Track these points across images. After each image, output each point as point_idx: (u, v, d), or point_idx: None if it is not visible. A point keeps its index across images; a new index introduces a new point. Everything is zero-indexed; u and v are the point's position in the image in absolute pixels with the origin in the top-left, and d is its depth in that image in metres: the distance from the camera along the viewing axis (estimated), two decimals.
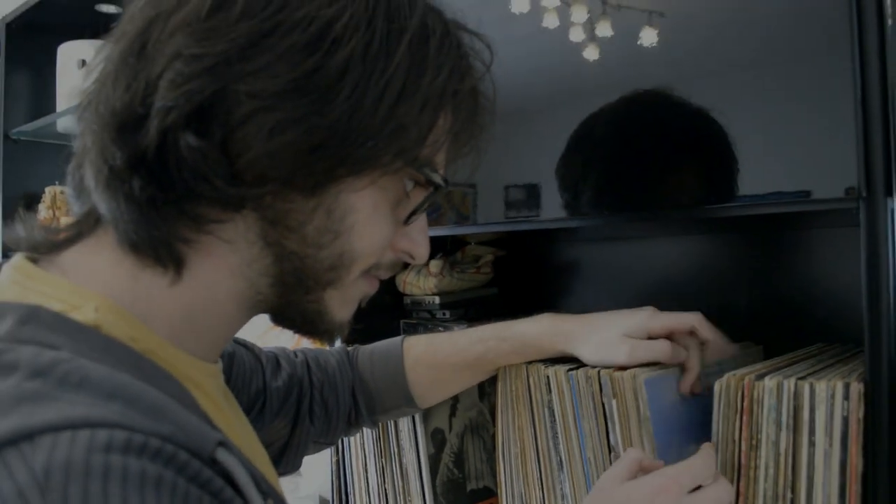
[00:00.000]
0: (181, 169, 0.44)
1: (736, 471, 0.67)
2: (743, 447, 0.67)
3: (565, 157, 0.86)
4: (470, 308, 1.19)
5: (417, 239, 0.56)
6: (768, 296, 0.97)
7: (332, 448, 1.10)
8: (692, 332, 0.75)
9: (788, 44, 0.68)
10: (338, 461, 1.10)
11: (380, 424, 0.95)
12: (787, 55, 0.68)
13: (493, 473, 0.90)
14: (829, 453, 0.62)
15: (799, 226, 0.92)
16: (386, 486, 1.00)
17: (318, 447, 0.86)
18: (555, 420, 0.80)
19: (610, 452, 0.75)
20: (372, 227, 0.51)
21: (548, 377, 0.80)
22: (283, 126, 0.44)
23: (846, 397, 0.61)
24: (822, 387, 0.62)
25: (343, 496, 1.08)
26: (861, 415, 0.60)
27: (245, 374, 0.74)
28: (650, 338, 0.75)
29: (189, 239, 0.48)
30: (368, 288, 0.57)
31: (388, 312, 1.22)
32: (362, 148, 0.46)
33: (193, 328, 0.50)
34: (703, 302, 1.02)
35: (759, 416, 0.66)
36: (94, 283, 0.47)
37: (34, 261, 0.48)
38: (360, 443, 1.06)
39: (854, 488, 0.60)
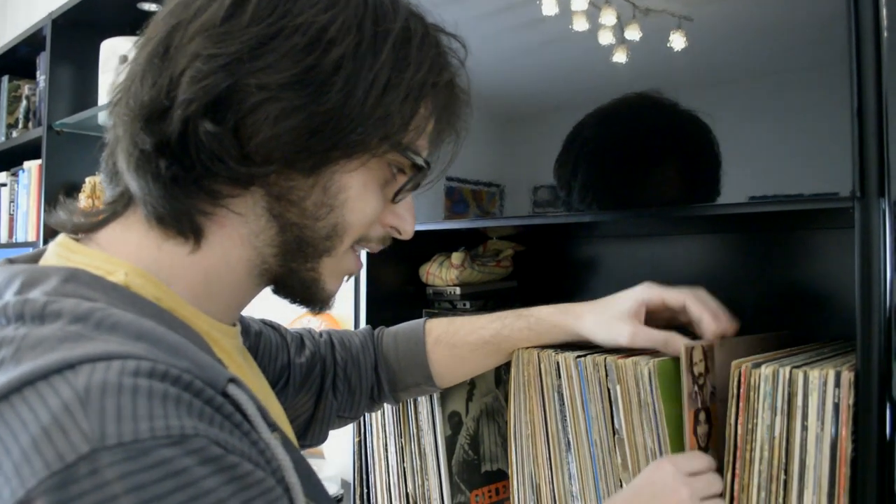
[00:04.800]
0: (200, 151, 0.52)
1: (732, 454, 0.71)
2: (739, 431, 0.71)
3: (591, 156, 0.90)
4: (489, 299, 1.23)
5: (404, 215, 0.65)
6: (781, 293, 1.00)
7: (355, 429, 1.16)
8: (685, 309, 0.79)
9: (795, 52, 0.71)
10: (360, 442, 1.15)
11: (402, 402, 1.00)
12: (792, 63, 0.71)
13: (507, 456, 0.94)
14: (820, 438, 0.65)
15: (804, 226, 0.95)
16: (405, 465, 1.05)
17: (343, 422, 0.91)
18: (563, 404, 0.84)
19: (614, 435, 0.79)
20: (362, 202, 0.59)
21: (558, 363, 0.84)
22: (286, 113, 0.51)
23: (837, 385, 0.65)
24: (814, 375, 0.66)
25: (364, 474, 1.14)
26: (851, 402, 0.64)
27: (271, 350, 0.81)
28: (649, 310, 0.80)
29: (207, 212, 0.55)
30: (354, 265, 0.64)
31: (411, 302, 1.27)
32: (353, 133, 0.54)
33: (210, 291, 0.58)
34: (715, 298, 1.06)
35: (755, 402, 0.69)
36: (126, 253, 0.55)
37: (76, 239, 0.57)
38: (381, 424, 1.11)
39: (843, 471, 0.64)
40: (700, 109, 0.78)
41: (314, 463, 1.55)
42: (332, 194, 0.57)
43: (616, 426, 0.78)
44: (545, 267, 1.29)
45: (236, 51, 0.51)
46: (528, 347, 0.89)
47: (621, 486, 0.77)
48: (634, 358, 0.77)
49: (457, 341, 0.88)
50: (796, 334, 0.91)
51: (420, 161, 0.60)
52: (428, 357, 0.88)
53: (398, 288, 1.25)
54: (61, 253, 0.55)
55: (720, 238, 1.08)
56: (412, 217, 0.66)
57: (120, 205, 0.57)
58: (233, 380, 0.47)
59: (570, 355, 0.83)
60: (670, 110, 0.81)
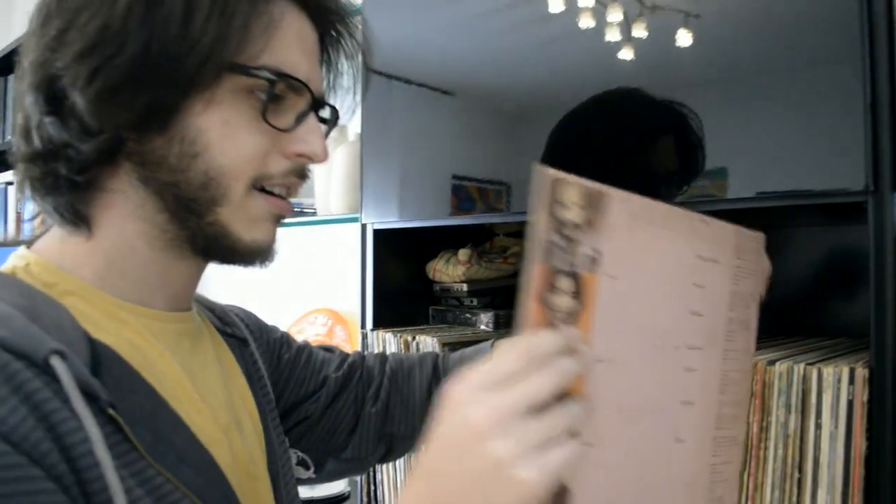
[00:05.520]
0: (55, 146, 0.55)
1: (747, 451, 0.70)
2: (754, 429, 0.70)
3: (595, 152, 0.89)
4: (497, 296, 1.23)
5: (308, 139, 0.59)
6: (794, 291, 0.99)
7: None
8: None
9: (806, 47, 0.71)
10: None
11: None
12: (803, 57, 0.71)
13: None
14: (834, 435, 0.65)
15: (817, 222, 0.94)
16: (412, 462, 1.04)
17: (402, 444, 0.84)
18: None
19: None
20: (230, 141, 0.55)
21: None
22: (89, 80, 0.51)
23: (851, 382, 0.64)
24: (829, 372, 0.65)
25: (371, 472, 1.13)
26: (865, 399, 0.64)
27: (315, 364, 0.81)
28: None
29: (88, 200, 0.57)
30: (273, 207, 0.60)
31: (418, 299, 1.27)
32: (172, 73, 0.52)
33: (118, 272, 0.58)
34: None
35: (769, 399, 0.69)
36: (41, 250, 0.59)
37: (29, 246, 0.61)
38: None
39: (857, 469, 0.64)
40: (708, 106, 0.78)
41: None
42: (190, 142, 0.54)
43: None
44: None
45: (45, 45, 0.53)
46: None
47: None
48: None
49: None
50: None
51: (267, 75, 0.55)
52: None
53: (404, 285, 1.25)
54: (10, 258, 0.60)
55: None
56: (318, 139, 0.60)
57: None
58: (58, 352, 0.48)
59: None
60: (676, 106, 0.80)
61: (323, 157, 0.61)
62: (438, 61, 1.09)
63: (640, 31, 0.83)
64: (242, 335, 0.74)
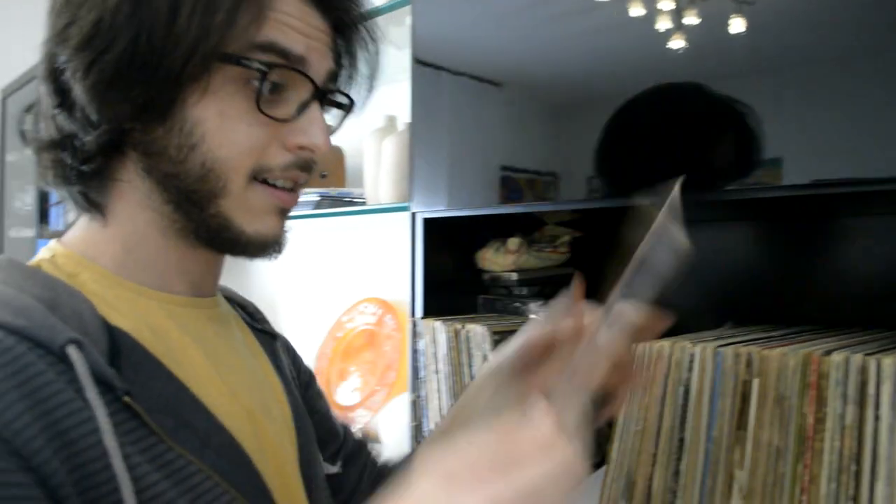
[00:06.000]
0: (63, 136, 0.57)
1: (802, 444, 0.69)
2: (809, 420, 0.69)
3: (648, 140, 0.89)
4: (546, 286, 1.23)
5: (309, 130, 0.58)
6: (847, 282, 0.97)
7: (412, 413, 1.17)
8: None
9: (859, 35, 0.69)
10: (417, 426, 1.16)
11: (456, 390, 1.00)
12: (856, 46, 0.69)
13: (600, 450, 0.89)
14: (893, 427, 0.63)
15: (868, 211, 0.92)
16: None
17: None
18: (688, 399, 0.79)
19: (738, 430, 0.74)
20: (226, 133, 0.55)
21: (692, 355, 0.79)
22: (84, 73, 0.53)
23: None
24: (888, 362, 0.64)
25: None
26: None
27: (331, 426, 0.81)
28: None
29: (100, 187, 0.59)
30: (276, 200, 0.59)
31: (467, 288, 1.27)
32: (158, 69, 0.53)
33: (136, 259, 0.59)
34: (773, 287, 1.04)
35: (825, 390, 0.68)
36: (67, 241, 0.61)
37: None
38: (438, 407, 1.12)
39: None
40: (762, 95, 0.76)
41: (372, 447, 1.57)
42: (188, 133, 0.55)
43: (744, 421, 0.74)
44: (603, 253, 1.27)
45: (53, 37, 0.55)
46: (659, 339, 0.82)
47: (731, 483, 0.74)
48: (782, 349, 0.73)
49: None
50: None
51: (257, 65, 0.54)
52: None
53: (454, 273, 1.26)
54: (43, 247, 0.62)
55: (780, 226, 1.05)
56: (318, 129, 0.59)
57: None
58: (74, 341, 0.49)
59: (710, 346, 0.78)
60: (728, 94, 0.79)
61: (324, 148, 0.59)
62: (487, 52, 1.09)
63: (691, 19, 0.82)
64: (272, 331, 0.75)
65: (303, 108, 0.58)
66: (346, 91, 0.65)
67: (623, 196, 0.90)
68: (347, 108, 0.66)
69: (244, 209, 0.58)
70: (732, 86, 0.79)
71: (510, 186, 1.05)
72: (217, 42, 0.53)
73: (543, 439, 0.44)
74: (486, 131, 1.09)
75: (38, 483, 0.44)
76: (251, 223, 0.59)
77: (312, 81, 0.58)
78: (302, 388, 0.78)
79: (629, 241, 0.55)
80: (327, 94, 0.62)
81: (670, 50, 0.83)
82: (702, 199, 0.83)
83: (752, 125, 0.77)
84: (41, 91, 0.58)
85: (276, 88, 0.56)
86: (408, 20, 1.22)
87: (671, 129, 0.86)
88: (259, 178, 0.58)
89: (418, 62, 1.17)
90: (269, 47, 0.55)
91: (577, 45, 0.95)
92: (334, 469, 0.78)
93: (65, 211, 2.63)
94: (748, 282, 1.07)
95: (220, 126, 0.55)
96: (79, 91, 0.54)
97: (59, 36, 0.54)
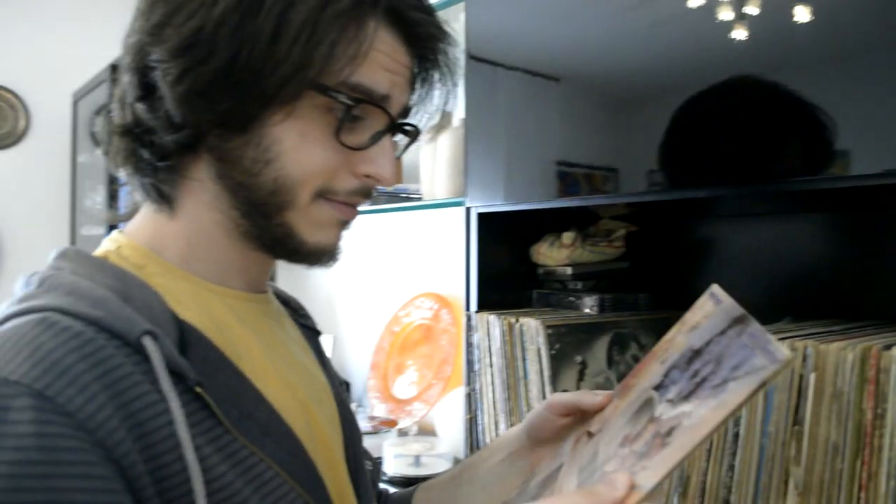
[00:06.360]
0: (141, 129, 0.58)
1: (860, 440, 0.68)
2: (868, 416, 0.68)
3: (710, 131, 0.87)
4: (601, 280, 1.22)
5: (378, 161, 0.60)
6: None
7: (466, 406, 1.18)
8: None
9: None
10: (471, 419, 1.18)
11: (510, 384, 1.00)
12: None
13: None
14: None
15: None
16: None
17: None
18: None
19: (793, 426, 0.74)
20: (302, 153, 0.57)
21: None
22: (178, 79, 0.54)
23: None
24: None
25: (474, 449, 1.16)
26: None
27: None
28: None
29: (171, 181, 0.60)
30: (338, 213, 0.61)
31: (522, 282, 1.28)
32: (251, 88, 0.54)
33: (196, 254, 0.61)
34: (834, 281, 1.01)
35: (885, 385, 0.66)
36: (131, 233, 0.63)
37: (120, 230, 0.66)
38: (492, 401, 1.13)
39: None
40: (828, 85, 0.74)
41: (427, 440, 1.59)
42: (265, 149, 0.56)
43: (799, 417, 0.73)
44: (659, 248, 1.26)
45: (146, 32, 0.56)
46: None
47: (787, 479, 0.73)
48: (840, 343, 0.72)
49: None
50: None
51: (344, 99, 0.56)
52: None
53: (509, 268, 1.26)
54: (106, 238, 0.65)
55: (847, 217, 1.02)
56: (387, 161, 0.61)
57: None
58: (150, 332, 0.51)
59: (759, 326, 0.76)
60: (793, 86, 0.77)
61: (389, 181, 0.61)
62: (543, 47, 1.09)
63: (753, 9, 0.80)
64: (315, 327, 0.77)
65: (376, 138, 0.60)
66: (417, 115, 0.67)
67: (684, 189, 0.89)
68: (414, 135, 0.67)
69: (308, 221, 0.60)
70: (797, 77, 0.77)
71: (568, 181, 1.05)
72: (315, 74, 0.54)
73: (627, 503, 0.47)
74: (543, 126, 1.09)
75: (119, 475, 0.46)
76: (314, 234, 0.61)
77: (389, 115, 0.59)
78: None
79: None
80: (399, 128, 0.64)
81: (732, 41, 0.82)
82: (768, 190, 0.82)
83: (819, 116, 0.75)
84: (124, 79, 0.59)
85: (355, 119, 0.58)
86: (462, 17, 1.23)
87: (737, 122, 0.84)
88: (323, 196, 0.60)
89: (472, 58, 1.18)
90: (358, 87, 0.57)
91: (637, 38, 0.94)
92: (368, 464, 0.80)
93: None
94: (811, 275, 1.05)
95: (298, 147, 0.57)
96: (167, 93, 0.55)
97: (152, 33, 0.55)
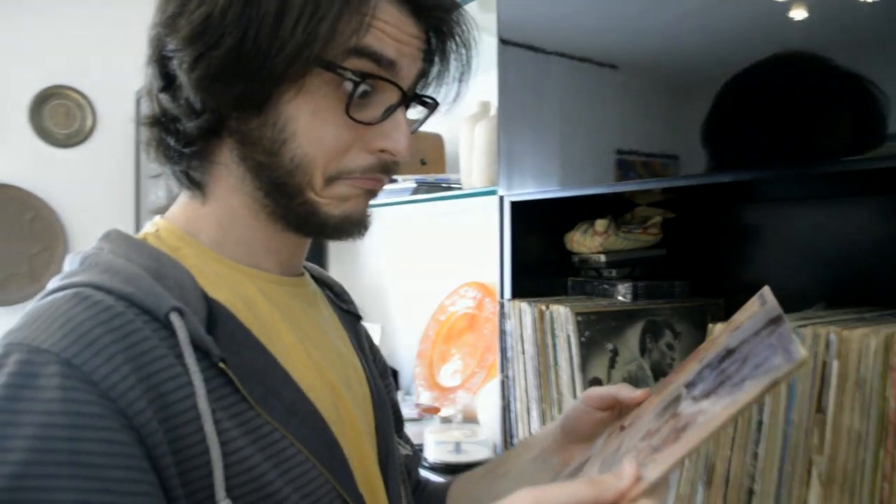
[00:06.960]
0: (167, 118, 0.61)
1: (884, 429, 0.66)
2: (892, 405, 0.65)
3: (755, 112, 0.85)
4: (636, 267, 1.21)
5: (392, 135, 0.61)
6: None
7: (500, 393, 1.19)
8: None
9: None
10: (504, 406, 1.18)
11: (541, 371, 1.01)
12: None
13: None
14: None
15: None
16: None
17: None
18: None
19: (816, 412, 0.72)
20: (315, 131, 0.59)
21: None
22: (192, 66, 0.56)
23: None
24: None
25: (508, 437, 1.16)
26: None
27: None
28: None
29: (200, 167, 0.62)
30: (356, 187, 0.62)
31: (557, 270, 1.27)
32: (260, 69, 0.56)
33: (229, 237, 0.63)
34: (879, 268, 0.97)
35: None
36: (170, 217, 0.66)
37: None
38: (524, 388, 1.13)
39: None
40: (889, 65, 0.71)
41: (469, 428, 1.60)
42: (281, 128, 0.58)
43: (823, 405, 0.72)
44: (697, 234, 1.24)
45: (162, 24, 0.58)
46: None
47: (810, 468, 0.72)
48: (863, 330, 0.70)
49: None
50: None
51: (351, 76, 0.57)
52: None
53: (543, 255, 1.26)
54: (148, 222, 0.68)
55: (889, 200, 0.98)
56: (401, 134, 0.61)
57: None
58: (177, 309, 0.54)
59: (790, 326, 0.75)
60: (854, 66, 0.74)
61: (405, 154, 0.62)
62: (583, 32, 1.08)
63: None
64: (357, 312, 0.78)
65: (388, 112, 0.61)
66: (435, 89, 0.68)
67: (725, 171, 0.86)
68: (432, 107, 0.68)
69: (329, 198, 0.61)
70: (858, 57, 0.74)
71: (625, 170, 1.03)
72: (319, 50, 0.56)
73: (629, 494, 0.47)
74: (595, 112, 1.06)
75: (138, 442, 0.49)
76: (338, 207, 0.62)
77: (400, 88, 0.60)
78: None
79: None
80: (413, 97, 0.65)
81: (791, 20, 0.79)
82: (818, 171, 0.79)
83: (875, 96, 0.72)
84: (148, 72, 0.62)
85: (365, 94, 0.59)
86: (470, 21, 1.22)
87: (787, 101, 0.81)
88: (338, 179, 0.61)
89: (504, 43, 1.18)
90: (363, 52, 0.58)
91: (693, 21, 0.91)
92: (408, 450, 0.81)
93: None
94: (854, 262, 1.02)
95: (311, 124, 0.58)
96: (184, 80, 0.58)
97: (167, 24, 0.58)
